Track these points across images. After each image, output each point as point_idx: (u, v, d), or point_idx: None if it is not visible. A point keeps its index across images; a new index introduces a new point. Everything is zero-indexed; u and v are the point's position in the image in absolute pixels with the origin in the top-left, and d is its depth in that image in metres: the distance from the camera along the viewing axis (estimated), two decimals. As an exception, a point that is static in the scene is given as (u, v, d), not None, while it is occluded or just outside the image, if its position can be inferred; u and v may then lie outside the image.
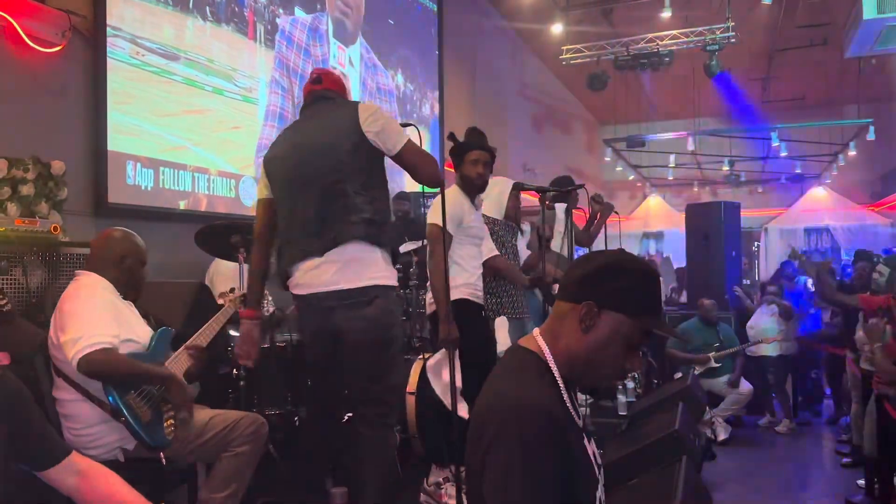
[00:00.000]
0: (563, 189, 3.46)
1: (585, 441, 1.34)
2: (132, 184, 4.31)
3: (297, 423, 3.68)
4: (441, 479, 3.30)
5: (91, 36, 4.15)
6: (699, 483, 2.74)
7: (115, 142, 4.21)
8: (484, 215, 3.66)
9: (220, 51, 5.03)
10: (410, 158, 2.59)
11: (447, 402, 3.24)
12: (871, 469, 4.34)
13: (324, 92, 2.72)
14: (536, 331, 1.37)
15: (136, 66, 4.36)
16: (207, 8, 4.92)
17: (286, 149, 2.70)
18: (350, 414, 3.69)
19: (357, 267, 2.48)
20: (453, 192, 3.35)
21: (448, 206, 3.12)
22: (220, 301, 3.00)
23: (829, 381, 6.98)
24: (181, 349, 2.65)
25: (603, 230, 4.89)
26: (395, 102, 7.29)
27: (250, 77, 5.35)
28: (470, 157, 3.36)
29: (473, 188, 3.39)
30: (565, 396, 1.31)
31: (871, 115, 13.04)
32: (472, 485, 1.28)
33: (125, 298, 2.61)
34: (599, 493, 1.33)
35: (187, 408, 2.40)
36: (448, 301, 3.02)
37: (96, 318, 2.36)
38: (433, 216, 3.22)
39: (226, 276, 3.83)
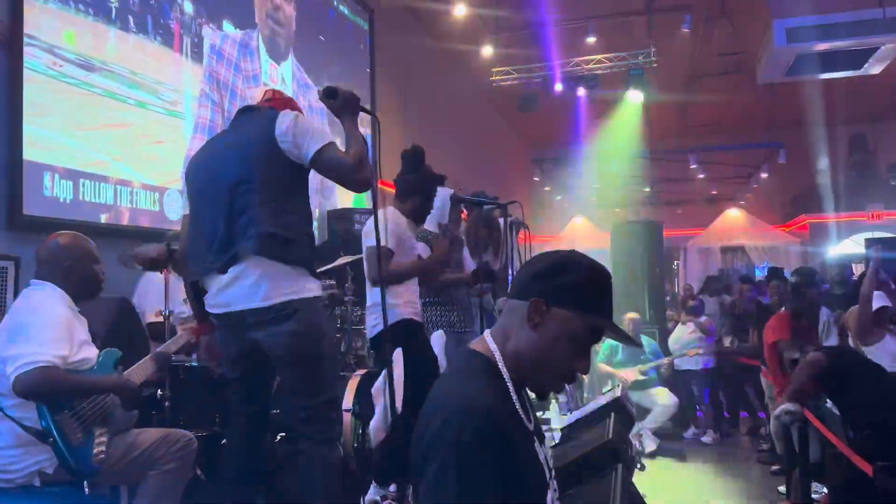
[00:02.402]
0: (502, 203, 3.50)
1: (536, 444, 1.31)
2: (49, 195, 4.11)
3: (225, 444, 3.55)
4: (378, 498, 3.24)
5: (7, 43, 3.95)
6: (634, 491, 2.78)
7: (31, 153, 4.01)
8: (425, 229, 3.66)
9: (144, 63, 4.88)
10: (327, 164, 2.43)
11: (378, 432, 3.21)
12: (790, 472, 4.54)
13: (259, 105, 2.64)
14: (487, 332, 1.35)
15: (54, 78, 4.17)
16: (131, 18, 4.77)
17: (203, 158, 2.60)
18: (282, 434, 3.62)
19: (269, 283, 2.35)
20: (394, 213, 3.34)
21: (390, 224, 3.13)
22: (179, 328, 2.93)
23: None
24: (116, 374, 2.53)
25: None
26: (326, 120, 7.23)
27: (175, 90, 5.20)
28: (434, 193, 3.41)
29: (422, 220, 3.42)
30: (515, 398, 1.28)
31: (782, 139, 13.78)
32: (417, 489, 1.25)
33: (86, 298, 2.55)
34: (550, 497, 1.30)
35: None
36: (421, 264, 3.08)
37: (44, 335, 2.27)
38: (365, 236, 3.20)
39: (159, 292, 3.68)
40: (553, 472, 1.35)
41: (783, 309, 5.11)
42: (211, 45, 5.57)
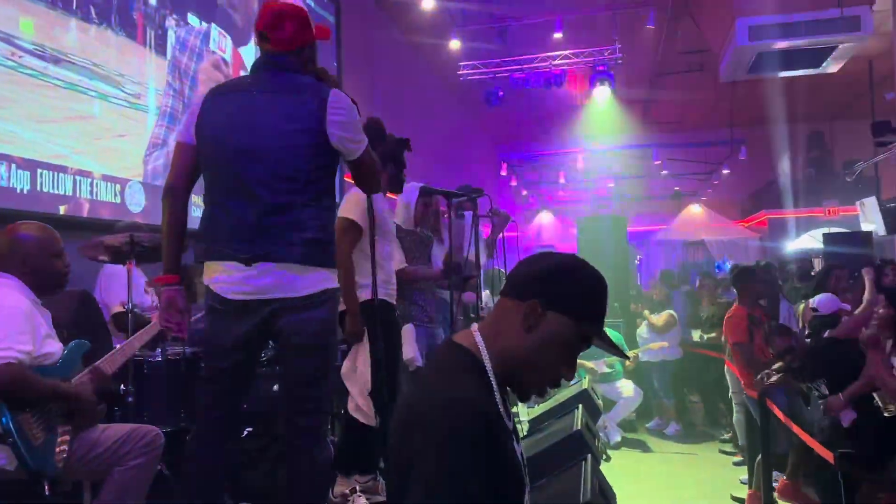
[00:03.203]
0: (470, 195, 3.50)
1: (515, 443, 1.29)
2: (6, 186, 3.99)
3: (191, 439, 3.50)
4: (347, 491, 3.22)
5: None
6: (603, 481, 2.82)
7: (-13, 144, 3.89)
8: (396, 225, 3.65)
9: (106, 55, 4.76)
10: (369, 166, 2.36)
11: (363, 406, 3.17)
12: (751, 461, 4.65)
13: (280, 58, 2.31)
14: (475, 326, 1.32)
15: (12, 69, 4.05)
16: (92, 9, 4.64)
17: (226, 119, 2.28)
18: (249, 429, 3.57)
19: (297, 279, 2.24)
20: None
21: (364, 200, 3.11)
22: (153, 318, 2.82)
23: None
24: (86, 370, 2.45)
25: (502, 241, 5.00)
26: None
27: (139, 83, 5.08)
28: (403, 160, 3.39)
29: (399, 188, 3.43)
30: (498, 397, 1.26)
31: (743, 136, 14.05)
32: (396, 486, 1.21)
33: (50, 291, 2.46)
34: (526, 496, 1.29)
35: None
36: (355, 295, 2.93)
37: (6, 328, 2.18)
38: (345, 210, 3.17)
39: (122, 284, 3.61)
40: (526, 468, 1.34)
41: (736, 304, 5.18)
42: (176, 37, 5.47)
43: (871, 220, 8.56)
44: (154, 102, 5.26)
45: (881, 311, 3.17)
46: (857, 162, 9.97)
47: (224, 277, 2.27)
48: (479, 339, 1.28)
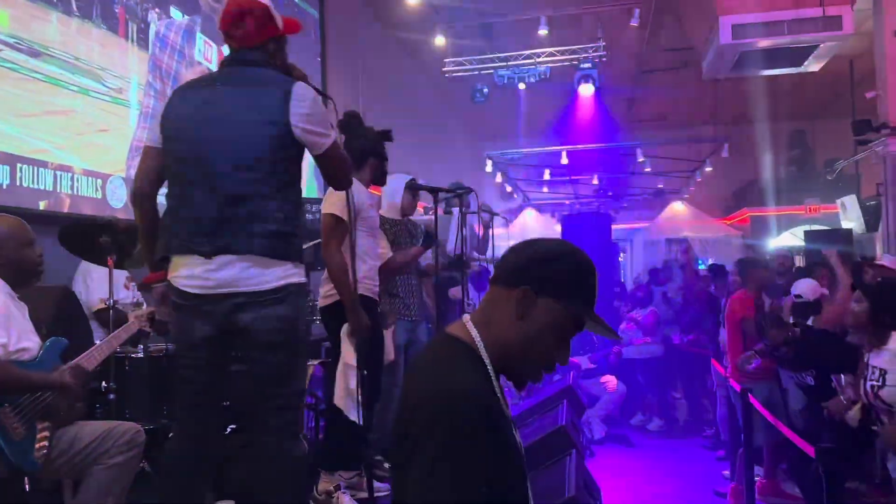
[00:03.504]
0: (457, 191, 3.50)
1: (515, 431, 1.30)
2: (-16, 182, 3.94)
3: (172, 437, 3.47)
4: (332, 488, 3.21)
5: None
6: (588, 475, 2.83)
7: (-35, 137, 3.83)
8: (381, 216, 3.64)
9: (88, 49, 4.71)
10: (335, 160, 2.35)
11: (345, 408, 3.14)
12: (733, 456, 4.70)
13: (245, 54, 2.34)
14: (466, 317, 1.32)
15: (-10, 61, 4.00)
16: (73, 2, 4.59)
17: (191, 114, 2.28)
18: (233, 426, 3.55)
19: (259, 273, 2.21)
20: (356, 185, 3.31)
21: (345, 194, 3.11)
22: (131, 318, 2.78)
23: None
24: (66, 366, 2.41)
25: (491, 238, 5.07)
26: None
27: (121, 77, 5.03)
28: (384, 152, 3.37)
29: (383, 180, 3.39)
30: (496, 385, 1.26)
31: (726, 134, 14.14)
32: (400, 481, 1.20)
33: (24, 284, 2.42)
34: (528, 483, 1.29)
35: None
36: (354, 291, 2.92)
37: None
38: (329, 206, 3.16)
39: (101, 280, 3.57)
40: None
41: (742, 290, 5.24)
42: (156, 32, 5.41)
43: (851, 218, 8.66)
44: (136, 97, 5.20)
45: (856, 307, 3.18)
46: (837, 160, 10.08)
47: (185, 272, 2.25)
48: (472, 329, 1.28)
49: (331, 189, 3.22)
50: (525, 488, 1.27)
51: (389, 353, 3.58)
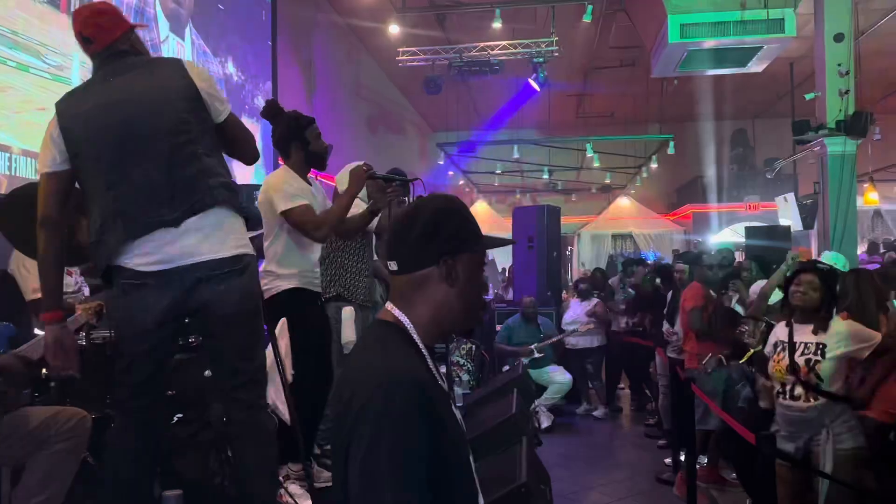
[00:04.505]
0: (408, 179, 3.49)
1: (453, 406, 1.33)
2: (-85, 161, 3.75)
3: (115, 428, 3.37)
4: (281, 479, 3.17)
5: None
6: (538, 462, 2.87)
7: None
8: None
9: (27, 23, 4.51)
10: (236, 127, 2.45)
11: (280, 407, 3.10)
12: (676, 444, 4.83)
13: (112, 49, 2.36)
14: (389, 304, 1.35)
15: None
16: (12, -28, 4.40)
17: (97, 108, 2.27)
18: (180, 415, 3.47)
19: (221, 235, 2.25)
20: (285, 172, 3.28)
21: (283, 183, 3.13)
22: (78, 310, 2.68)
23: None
24: (9, 354, 2.33)
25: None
26: (225, 91, 6.95)
27: (62, 54, 4.85)
28: (314, 132, 3.31)
29: (322, 162, 3.35)
30: (430, 363, 1.30)
31: (671, 132, 14.47)
32: (339, 467, 1.21)
33: None
34: (471, 457, 1.32)
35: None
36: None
37: None
38: (282, 202, 3.11)
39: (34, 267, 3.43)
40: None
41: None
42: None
43: (788, 215, 8.96)
44: (79, 75, 5.01)
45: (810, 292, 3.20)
46: (777, 159, 10.41)
47: (146, 248, 2.22)
48: (398, 313, 1.32)
49: (268, 186, 3.20)
50: (467, 461, 1.29)
51: (350, 335, 3.56)
